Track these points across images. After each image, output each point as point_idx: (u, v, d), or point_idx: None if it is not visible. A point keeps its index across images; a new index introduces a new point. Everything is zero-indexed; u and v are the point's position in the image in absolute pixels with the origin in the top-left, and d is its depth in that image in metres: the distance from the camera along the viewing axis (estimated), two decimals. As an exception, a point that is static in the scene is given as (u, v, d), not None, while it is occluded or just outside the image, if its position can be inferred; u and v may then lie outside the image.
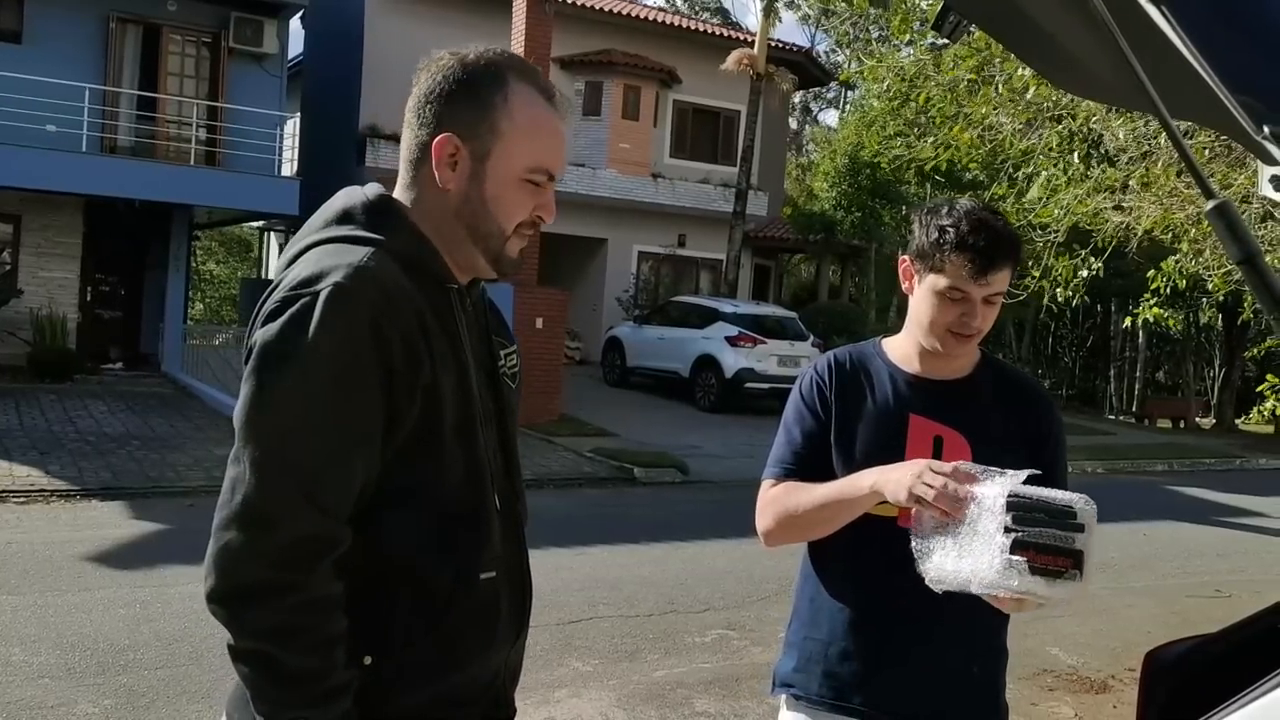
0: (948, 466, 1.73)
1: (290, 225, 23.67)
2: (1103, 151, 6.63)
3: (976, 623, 1.95)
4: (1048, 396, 2.14)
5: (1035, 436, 1.95)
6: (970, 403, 1.99)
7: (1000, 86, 6.75)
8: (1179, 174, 6.22)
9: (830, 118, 46.58)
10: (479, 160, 1.50)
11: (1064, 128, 6.74)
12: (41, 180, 14.82)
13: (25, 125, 14.70)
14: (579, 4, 20.52)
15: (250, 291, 28.36)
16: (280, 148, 17.83)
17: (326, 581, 1.37)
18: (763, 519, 2.03)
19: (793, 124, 39.73)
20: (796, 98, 34.05)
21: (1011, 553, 1.62)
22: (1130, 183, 6.69)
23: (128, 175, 15.57)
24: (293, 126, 22.24)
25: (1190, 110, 1.29)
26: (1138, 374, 29.99)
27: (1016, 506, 1.65)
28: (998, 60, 6.62)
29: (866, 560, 1.95)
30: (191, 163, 16.64)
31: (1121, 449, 18.03)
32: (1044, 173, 7.05)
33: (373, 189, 1.55)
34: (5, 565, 6.67)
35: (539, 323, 14.32)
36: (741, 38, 23.70)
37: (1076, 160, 6.74)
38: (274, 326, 1.38)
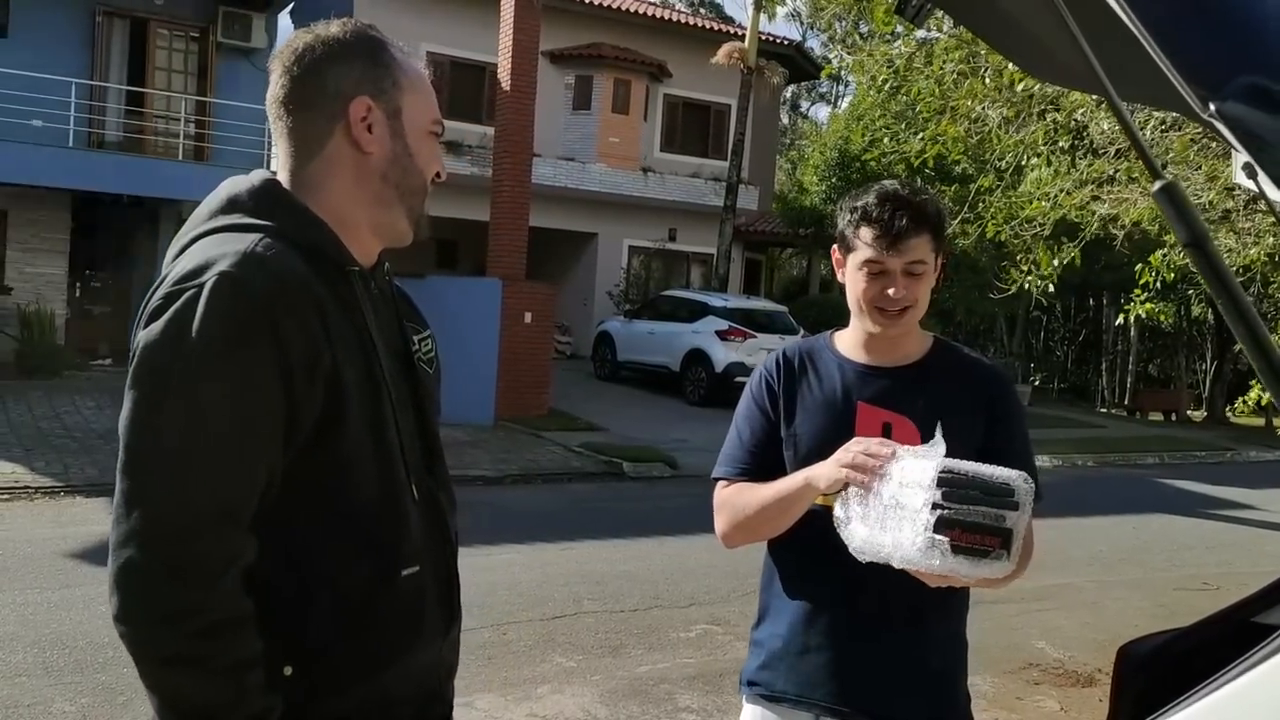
0: (871, 441, 1.74)
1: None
2: (1088, 143, 6.61)
3: (933, 614, 1.94)
4: (1001, 375, 2.12)
5: (987, 416, 1.93)
6: (919, 387, 1.98)
7: (987, 79, 6.73)
8: (1164, 166, 6.21)
9: (821, 112, 46.60)
10: (393, 117, 1.48)
11: (1050, 121, 6.72)
12: (28, 175, 14.73)
13: (11, 120, 14.63)
14: (569, -3, 20.47)
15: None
16: (269, 142, 17.75)
17: (233, 600, 1.28)
18: (718, 521, 2.04)
19: (783, 118, 39.71)
20: (787, 92, 34.04)
21: (935, 531, 1.58)
22: (1116, 176, 6.67)
23: (115, 170, 15.47)
24: (282, 121, 22.20)
25: (1143, 91, 1.27)
26: (1130, 367, 30.01)
27: (948, 483, 1.61)
28: (983, 52, 6.59)
29: (816, 555, 1.93)
30: (180, 158, 16.58)
31: (1112, 441, 18.06)
32: (1034, 169, 7.03)
33: (258, 175, 1.49)
34: (-14, 562, 6.63)
35: (528, 317, 14.26)
36: (732, 31, 23.66)
37: (1062, 153, 6.73)
38: (157, 326, 1.29)
